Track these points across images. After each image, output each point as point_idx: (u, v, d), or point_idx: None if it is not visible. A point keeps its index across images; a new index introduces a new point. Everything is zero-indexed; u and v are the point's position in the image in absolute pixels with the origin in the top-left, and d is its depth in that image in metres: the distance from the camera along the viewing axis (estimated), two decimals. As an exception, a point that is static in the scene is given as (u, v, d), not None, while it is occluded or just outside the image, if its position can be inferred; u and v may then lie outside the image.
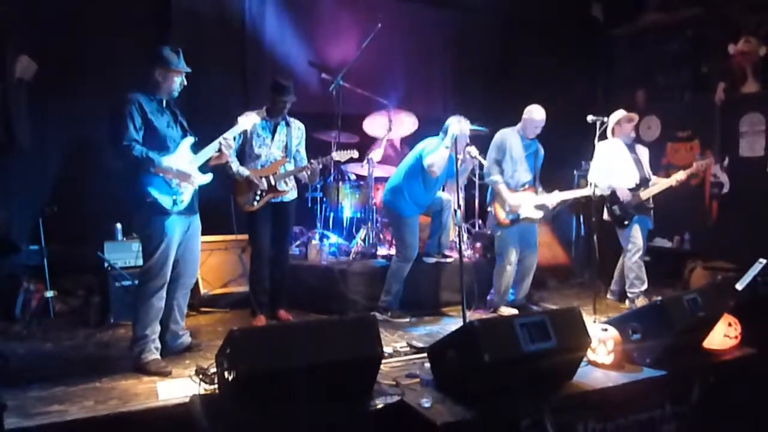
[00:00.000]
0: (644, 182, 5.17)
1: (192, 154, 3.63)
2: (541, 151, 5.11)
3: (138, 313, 3.52)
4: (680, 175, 5.05)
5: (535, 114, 4.92)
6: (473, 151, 4.69)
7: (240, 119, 3.94)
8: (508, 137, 4.97)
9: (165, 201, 3.47)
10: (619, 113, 5.25)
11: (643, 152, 5.33)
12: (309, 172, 4.54)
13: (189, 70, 3.60)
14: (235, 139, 4.26)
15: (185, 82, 3.62)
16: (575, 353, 3.15)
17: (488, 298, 5.10)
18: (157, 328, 3.57)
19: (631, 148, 5.25)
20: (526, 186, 4.97)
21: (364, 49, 5.74)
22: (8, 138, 4.89)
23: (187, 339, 3.88)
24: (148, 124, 3.47)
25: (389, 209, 4.92)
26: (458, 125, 4.52)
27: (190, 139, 3.65)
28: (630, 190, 5.11)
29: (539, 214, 4.96)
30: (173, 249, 3.55)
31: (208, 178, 3.69)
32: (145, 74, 3.56)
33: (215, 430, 2.54)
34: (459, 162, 4.50)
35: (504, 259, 4.97)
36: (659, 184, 5.14)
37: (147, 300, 3.50)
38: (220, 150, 3.69)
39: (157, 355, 3.51)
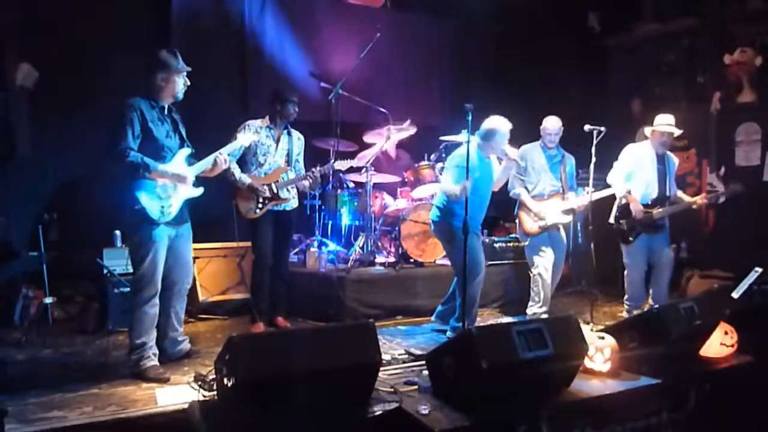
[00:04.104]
0: (662, 200, 4.96)
1: (186, 165, 3.62)
2: (570, 160, 5.09)
3: (133, 322, 3.52)
4: (701, 199, 4.98)
5: (546, 123, 4.99)
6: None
7: (239, 135, 3.95)
8: (528, 151, 4.99)
9: (153, 210, 3.45)
10: (666, 121, 4.94)
11: (672, 165, 5.08)
12: (310, 181, 4.56)
13: (189, 68, 3.59)
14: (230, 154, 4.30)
15: (188, 82, 3.61)
16: (572, 361, 3.16)
17: (528, 311, 4.97)
18: (153, 334, 3.58)
19: (660, 159, 5.00)
20: (552, 194, 4.97)
21: (362, 58, 5.78)
22: (9, 145, 4.92)
23: (186, 345, 3.89)
24: (148, 132, 3.46)
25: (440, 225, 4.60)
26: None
27: (186, 150, 3.65)
28: (645, 205, 4.93)
29: (567, 219, 4.94)
30: (162, 256, 3.54)
31: (198, 191, 3.68)
32: (145, 82, 3.55)
33: (214, 436, 2.55)
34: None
35: (537, 268, 4.89)
36: (677, 205, 4.97)
37: (140, 308, 3.50)
38: (214, 164, 3.68)
39: (155, 362, 3.51)
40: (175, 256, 3.66)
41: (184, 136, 3.70)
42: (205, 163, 3.66)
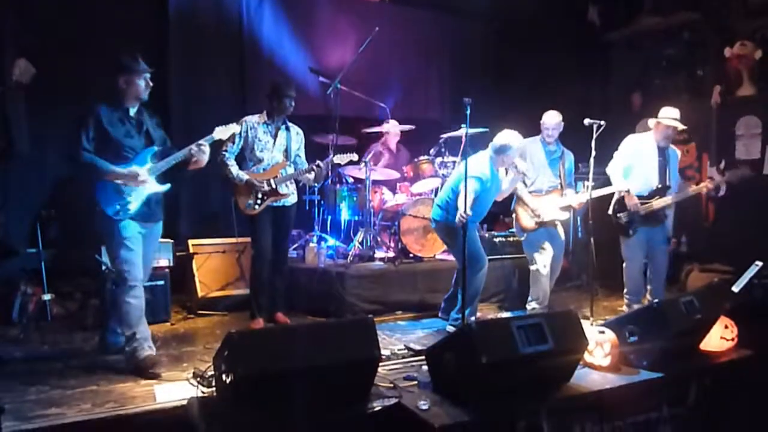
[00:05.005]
0: (662, 190, 4.86)
1: (151, 162, 3.62)
2: (569, 156, 5.09)
3: (120, 315, 3.57)
4: (709, 183, 4.90)
5: (545, 118, 4.97)
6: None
7: (217, 129, 3.83)
8: (528, 146, 4.95)
9: (110, 208, 3.49)
10: (671, 114, 4.83)
11: (674, 157, 4.98)
12: (315, 174, 4.54)
13: (151, 69, 3.62)
14: (235, 143, 4.30)
15: (151, 83, 3.62)
16: (572, 355, 3.16)
17: (527, 306, 4.96)
18: (145, 327, 3.61)
19: (661, 151, 4.91)
20: (551, 190, 4.97)
21: (361, 53, 5.75)
22: (6, 141, 4.90)
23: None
24: (104, 134, 3.49)
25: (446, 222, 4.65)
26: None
27: (151, 149, 3.65)
28: (643, 197, 4.86)
29: (564, 215, 4.93)
30: (137, 251, 3.56)
31: (164, 187, 3.67)
32: (110, 85, 3.58)
33: (213, 432, 2.54)
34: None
35: (535, 263, 4.88)
36: (680, 193, 4.89)
37: (123, 301, 3.51)
38: (193, 156, 3.64)
39: (151, 352, 3.54)
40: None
41: (153, 136, 3.69)
42: (172, 159, 3.63)
